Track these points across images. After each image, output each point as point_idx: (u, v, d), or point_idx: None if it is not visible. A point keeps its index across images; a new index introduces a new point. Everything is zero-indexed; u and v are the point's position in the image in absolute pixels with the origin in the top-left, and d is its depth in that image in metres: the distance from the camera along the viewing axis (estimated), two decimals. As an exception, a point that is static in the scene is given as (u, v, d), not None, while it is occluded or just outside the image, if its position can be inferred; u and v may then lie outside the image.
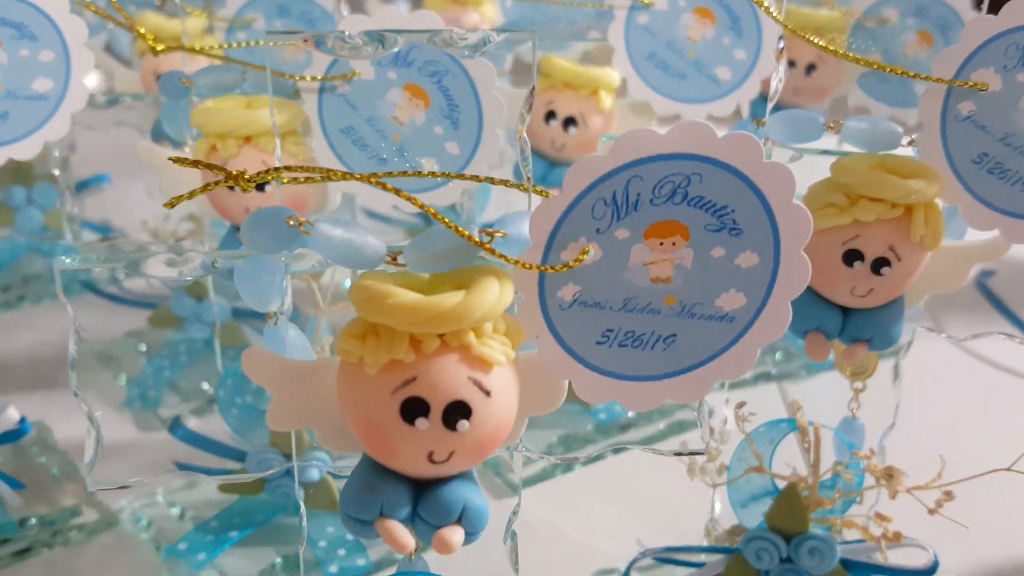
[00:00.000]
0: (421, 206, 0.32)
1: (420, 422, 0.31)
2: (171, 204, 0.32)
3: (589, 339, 0.33)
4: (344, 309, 0.53)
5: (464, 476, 0.34)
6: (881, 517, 0.46)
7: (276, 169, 0.31)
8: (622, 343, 0.33)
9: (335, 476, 0.55)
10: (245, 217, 0.32)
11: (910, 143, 0.44)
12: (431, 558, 0.36)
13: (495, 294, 0.31)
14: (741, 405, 0.46)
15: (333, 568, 0.53)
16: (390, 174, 0.33)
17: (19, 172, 0.82)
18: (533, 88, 0.34)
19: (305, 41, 0.35)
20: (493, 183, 0.35)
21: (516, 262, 0.31)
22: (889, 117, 0.57)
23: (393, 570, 0.36)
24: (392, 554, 0.54)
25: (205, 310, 0.71)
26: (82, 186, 0.92)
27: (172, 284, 0.75)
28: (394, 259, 0.32)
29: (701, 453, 0.42)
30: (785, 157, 0.46)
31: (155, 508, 0.58)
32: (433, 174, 0.34)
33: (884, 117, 0.51)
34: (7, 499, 0.56)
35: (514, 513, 0.39)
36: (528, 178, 0.34)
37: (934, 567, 0.48)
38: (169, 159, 0.33)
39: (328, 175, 0.32)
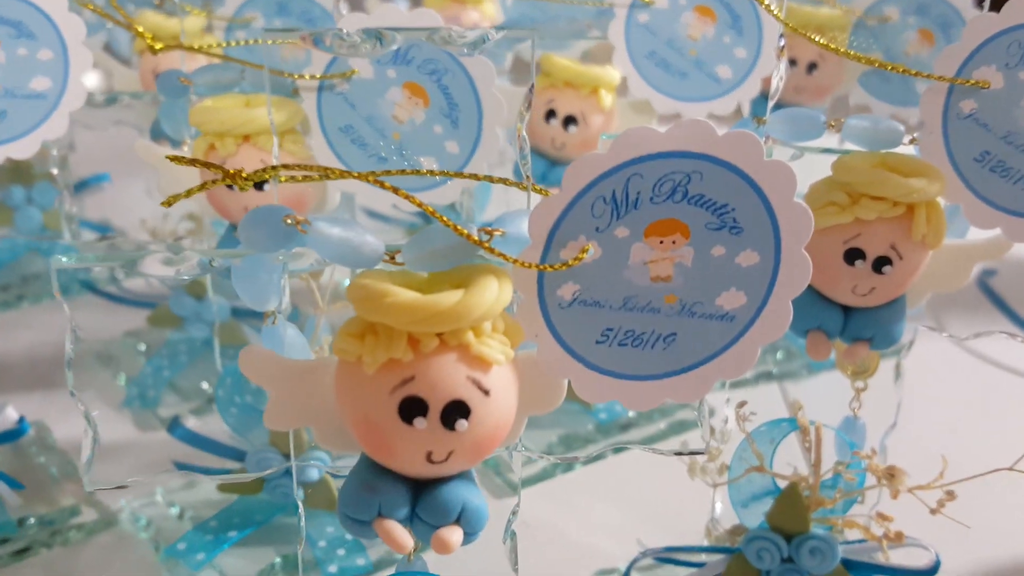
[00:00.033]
0: (419, 204, 0.31)
1: (418, 422, 0.31)
2: (168, 203, 0.32)
3: (589, 338, 0.33)
4: (343, 308, 0.53)
5: (463, 476, 0.33)
6: (882, 517, 0.46)
7: (273, 167, 0.31)
8: (622, 342, 0.33)
9: (334, 476, 0.55)
10: (244, 216, 0.32)
11: (911, 141, 0.44)
12: (430, 558, 0.36)
13: (494, 293, 0.30)
14: (742, 404, 0.46)
15: (332, 568, 0.53)
16: (388, 172, 0.33)
17: (18, 171, 0.82)
18: (532, 86, 0.34)
19: (303, 39, 0.35)
20: (492, 181, 0.35)
21: (515, 261, 0.31)
22: (890, 116, 0.56)
23: (392, 570, 0.36)
24: (391, 554, 0.54)
25: (205, 309, 0.71)
26: (82, 185, 0.92)
27: (171, 283, 0.74)
28: (392, 258, 0.32)
29: (702, 453, 0.42)
30: (786, 156, 0.46)
31: (154, 508, 0.58)
32: (432, 172, 0.34)
33: (885, 116, 0.51)
34: (6, 499, 0.56)
35: (513, 513, 0.39)
36: (527, 176, 0.34)
37: (936, 567, 0.47)
38: (166, 157, 0.33)
39: (326, 173, 0.32)
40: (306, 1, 0.64)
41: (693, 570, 0.50)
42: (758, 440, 0.46)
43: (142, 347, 0.75)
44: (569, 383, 0.34)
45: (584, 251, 0.31)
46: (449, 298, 0.30)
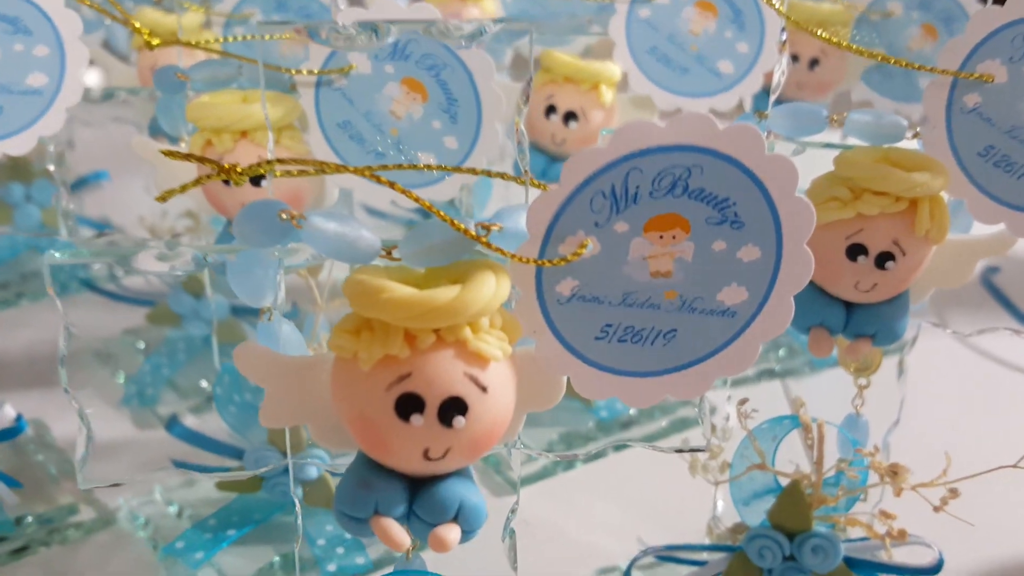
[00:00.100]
0: (416, 199, 0.31)
1: (415, 418, 0.30)
2: (163, 198, 0.32)
3: (588, 334, 0.33)
4: (342, 306, 0.53)
5: (461, 473, 0.33)
6: (885, 515, 0.46)
7: (268, 162, 0.31)
8: (621, 338, 0.33)
9: (333, 474, 0.54)
10: (241, 213, 0.32)
11: (914, 136, 0.44)
12: (429, 557, 0.35)
13: (491, 288, 0.30)
14: (743, 402, 0.45)
15: (331, 567, 0.53)
16: (385, 167, 0.32)
17: (17, 169, 0.82)
18: (530, 79, 0.34)
19: (297, 31, 0.35)
20: (489, 176, 0.34)
21: (513, 256, 0.31)
22: (893, 112, 0.56)
23: (391, 569, 0.36)
24: (391, 553, 0.54)
25: (203, 307, 0.70)
26: (81, 183, 0.92)
27: (168, 280, 0.74)
28: (389, 253, 0.31)
29: (703, 450, 0.42)
30: (788, 150, 0.45)
31: (153, 506, 0.58)
32: (428, 167, 0.34)
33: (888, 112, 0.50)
34: (4, 497, 0.56)
35: (512, 511, 0.38)
36: (525, 170, 0.34)
37: (939, 565, 0.47)
38: (160, 152, 0.32)
39: (322, 167, 0.32)
40: (305, -3, 0.64)
41: (694, 568, 0.50)
42: (760, 437, 0.46)
43: (141, 345, 0.75)
44: (568, 380, 0.34)
45: (583, 246, 0.31)
46: (446, 294, 0.29)
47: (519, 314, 0.33)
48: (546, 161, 0.70)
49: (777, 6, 0.45)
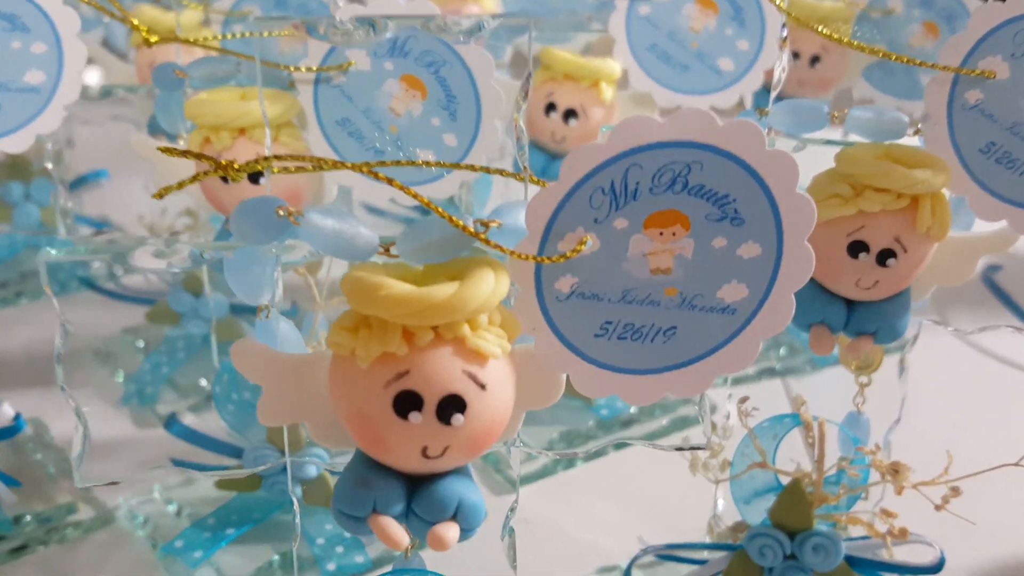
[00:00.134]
0: (414, 195, 0.31)
1: (413, 416, 0.30)
2: (160, 195, 0.32)
3: (587, 332, 0.33)
4: (341, 304, 0.53)
5: (459, 472, 0.33)
6: (886, 513, 0.46)
7: (266, 158, 0.31)
8: (621, 336, 0.33)
9: (332, 472, 0.54)
10: (239, 211, 0.32)
11: (916, 132, 0.44)
12: (428, 555, 0.35)
13: (490, 285, 0.30)
14: (744, 400, 0.45)
15: (331, 566, 0.53)
16: (383, 163, 0.32)
17: (16, 167, 0.82)
18: (529, 74, 0.34)
19: (295, 27, 0.35)
20: (488, 172, 0.34)
21: (512, 253, 0.31)
22: (895, 109, 0.56)
23: (391, 568, 0.36)
24: (390, 552, 0.53)
25: (203, 306, 0.70)
26: (80, 181, 0.91)
27: (167, 279, 0.74)
28: (387, 250, 0.31)
29: (704, 448, 0.42)
30: (789, 147, 0.45)
31: (152, 505, 0.58)
32: (427, 163, 0.33)
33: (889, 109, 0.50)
34: (2, 496, 0.56)
35: (511, 510, 0.38)
36: (524, 167, 0.34)
37: (940, 564, 0.47)
38: (158, 148, 0.32)
39: (319, 164, 0.31)
40: (304, -6, 0.64)
41: (695, 567, 0.50)
42: (760, 436, 0.46)
43: (140, 344, 0.75)
44: (568, 378, 0.34)
45: (582, 243, 0.31)
46: (444, 290, 0.29)
47: (518, 311, 0.32)
48: (546, 159, 0.70)
49: (778, 3, 0.45)
